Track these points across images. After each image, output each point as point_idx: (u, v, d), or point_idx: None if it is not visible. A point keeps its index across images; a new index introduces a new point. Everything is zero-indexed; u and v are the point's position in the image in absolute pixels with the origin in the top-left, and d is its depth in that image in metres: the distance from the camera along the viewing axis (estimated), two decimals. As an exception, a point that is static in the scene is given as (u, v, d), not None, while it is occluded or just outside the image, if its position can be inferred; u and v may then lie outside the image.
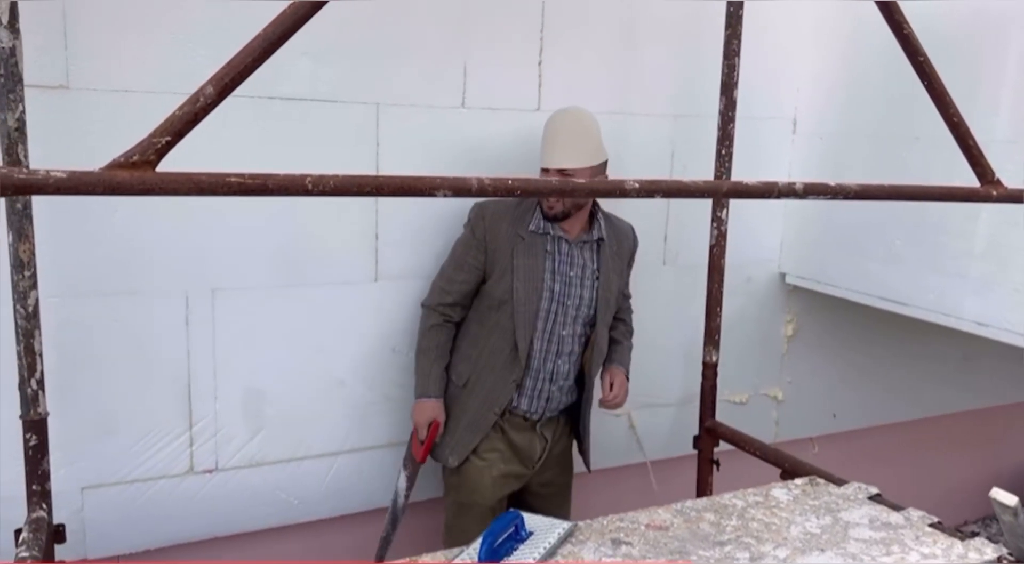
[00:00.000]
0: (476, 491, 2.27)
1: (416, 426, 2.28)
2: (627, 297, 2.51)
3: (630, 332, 2.51)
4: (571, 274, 2.25)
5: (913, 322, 2.61)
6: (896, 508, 1.92)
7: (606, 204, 2.38)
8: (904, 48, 1.43)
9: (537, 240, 2.22)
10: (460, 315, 2.30)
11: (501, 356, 2.23)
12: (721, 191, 1.42)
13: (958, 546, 1.74)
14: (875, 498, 1.98)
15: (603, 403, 2.34)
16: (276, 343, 2.27)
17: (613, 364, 2.40)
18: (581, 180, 2.06)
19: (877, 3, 1.40)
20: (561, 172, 2.14)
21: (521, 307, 2.20)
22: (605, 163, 2.22)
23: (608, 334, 2.39)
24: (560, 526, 1.75)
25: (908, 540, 1.77)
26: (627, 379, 2.40)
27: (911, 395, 3.44)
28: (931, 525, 1.84)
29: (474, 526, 2.12)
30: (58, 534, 1.91)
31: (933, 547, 1.74)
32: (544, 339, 2.24)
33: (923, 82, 1.45)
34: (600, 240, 2.29)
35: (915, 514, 1.89)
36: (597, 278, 2.29)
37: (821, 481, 2.07)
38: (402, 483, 2.35)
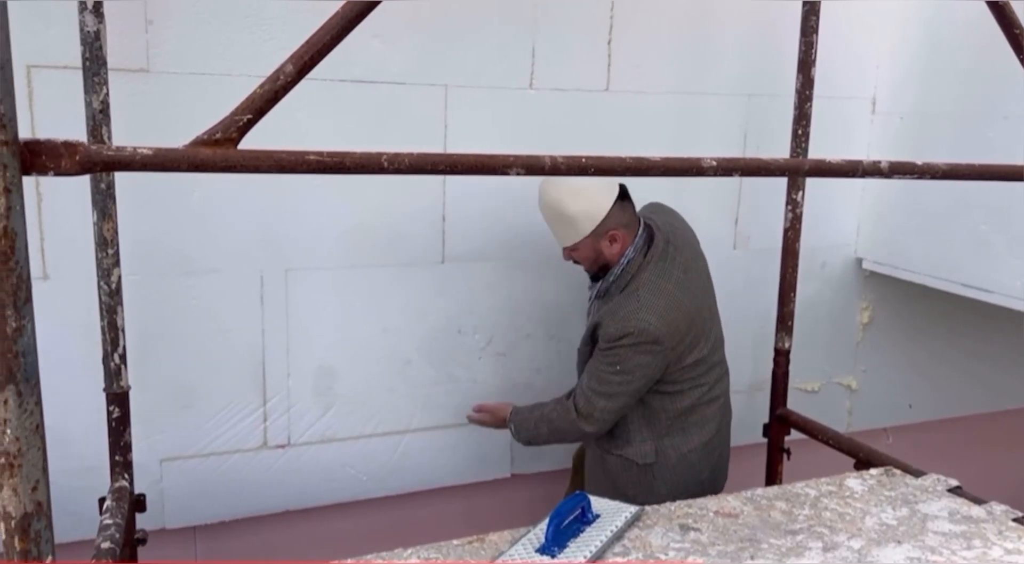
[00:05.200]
0: None
1: None
2: (580, 384, 2.13)
3: (545, 414, 2.18)
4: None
5: (997, 310, 2.51)
6: (978, 501, 1.85)
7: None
8: (999, 21, 1.36)
9: None
10: None
11: None
12: (803, 170, 1.37)
13: (1045, 542, 1.67)
14: (955, 490, 1.92)
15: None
16: (346, 322, 2.31)
17: (513, 403, 2.31)
18: (582, 249, 2.09)
19: (971, -27, 1.33)
20: (566, 248, 2.15)
21: None
22: (605, 219, 2.05)
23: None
24: (627, 510, 1.73)
25: (991, 535, 1.70)
26: (505, 424, 2.26)
27: (992, 386, 3.31)
28: (1015, 520, 1.77)
29: None
30: (139, 503, 1.98)
31: (1018, 542, 1.67)
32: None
33: (1019, 57, 1.38)
34: (597, 295, 2.18)
35: (998, 508, 1.82)
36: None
37: (898, 472, 2.01)
38: None
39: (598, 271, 2.16)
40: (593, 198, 2.05)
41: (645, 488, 2.14)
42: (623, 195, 2.10)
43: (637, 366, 2.04)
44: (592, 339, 2.14)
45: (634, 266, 2.09)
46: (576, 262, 2.18)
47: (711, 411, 2.20)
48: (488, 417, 2.33)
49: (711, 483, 2.21)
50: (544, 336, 2.56)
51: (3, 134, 0.74)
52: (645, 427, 2.14)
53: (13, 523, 0.80)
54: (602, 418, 2.09)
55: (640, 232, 2.12)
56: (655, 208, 2.29)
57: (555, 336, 2.57)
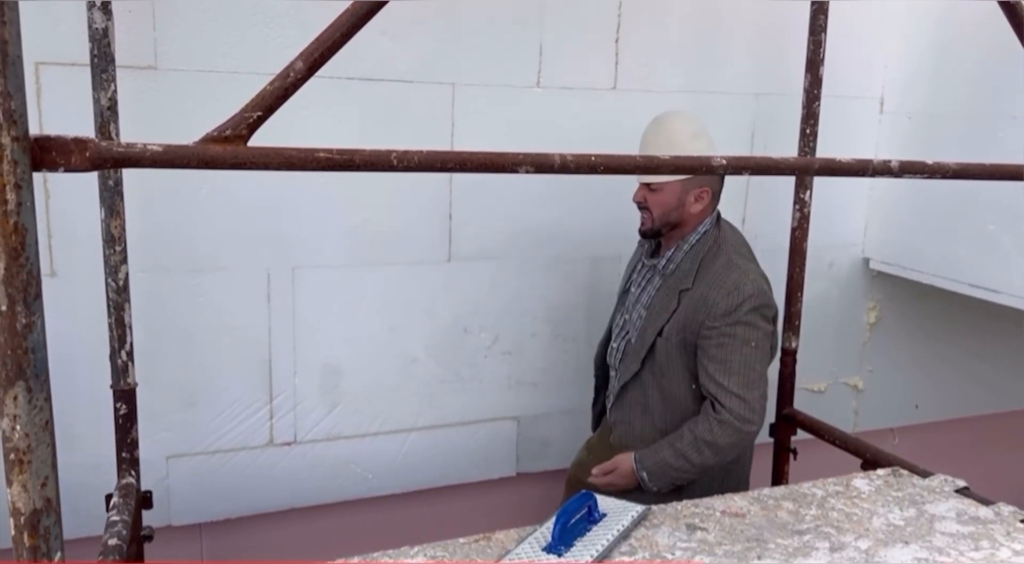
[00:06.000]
0: None
1: None
2: (719, 387, 1.92)
3: (696, 440, 1.93)
4: (633, 291, 2.16)
5: (1004, 310, 2.50)
6: (985, 502, 1.84)
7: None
8: (1010, 20, 1.35)
9: (637, 256, 2.21)
10: None
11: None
12: (813, 168, 1.37)
13: (1053, 544, 1.66)
14: (962, 491, 1.91)
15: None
16: (352, 320, 2.31)
17: (636, 450, 2.03)
18: (666, 193, 1.97)
19: (982, -29, 1.32)
20: (646, 185, 2.01)
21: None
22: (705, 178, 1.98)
23: (641, 382, 2.07)
24: (633, 509, 1.73)
25: (998, 536, 1.69)
26: (635, 477, 1.99)
27: (999, 386, 3.30)
28: (1023, 521, 1.76)
29: None
30: (145, 500, 1.99)
31: (1026, 544, 1.67)
32: (611, 351, 2.23)
33: (1030, 55, 1.37)
34: (666, 270, 2.06)
35: (1006, 509, 1.81)
36: (645, 308, 2.08)
37: (905, 472, 2.00)
38: None
39: (658, 230, 2.03)
40: (708, 148, 1.99)
41: (728, 480, 2.04)
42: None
43: (764, 335, 1.95)
44: (686, 338, 1.98)
45: (710, 239, 2.01)
46: (643, 208, 2.03)
47: None
48: (615, 477, 2.03)
49: (746, 478, 2.16)
50: (550, 335, 2.55)
51: (14, 130, 0.74)
52: None
53: (22, 519, 0.79)
54: (762, 407, 1.94)
55: (717, 210, 2.07)
56: None
57: (561, 335, 2.57)
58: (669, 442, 1.99)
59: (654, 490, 2.00)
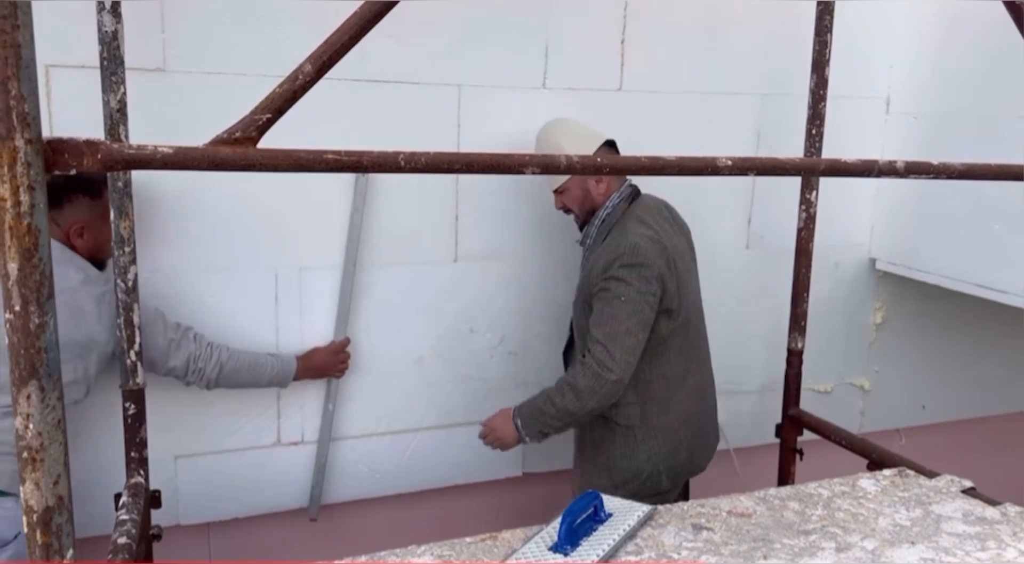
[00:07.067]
0: None
1: None
2: (589, 335, 2.05)
3: (562, 382, 2.07)
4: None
5: (1011, 311, 2.50)
6: (992, 503, 1.84)
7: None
8: (1015, 20, 1.36)
9: None
10: None
11: None
12: (818, 169, 1.37)
13: (1060, 544, 1.66)
14: (969, 492, 1.90)
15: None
16: (359, 321, 2.31)
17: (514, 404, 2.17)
18: (572, 189, 2.16)
19: (987, -28, 1.33)
20: (555, 192, 2.20)
21: None
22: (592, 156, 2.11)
23: (576, 351, 2.21)
24: (639, 509, 1.73)
25: (1005, 536, 1.69)
26: (512, 426, 2.13)
27: (1006, 387, 3.29)
28: (1030, 522, 1.76)
29: None
30: (154, 500, 2.00)
31: (1032, 544, 1.66)
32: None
33: (1035, 56, 1.37)
34: (585, 245, 2.21)
35: (1012, 509, 1.80)
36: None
37: (911, 473, 2.00)
38: None
39: (587, 220, 2.19)
40: (586, 141, 2.15)
41: (629, 451, 2.14)
42: (611, 145, 2.19)
43: (638, 293, 2.01)
44: (585, 300, 2.11)
45: (618, 212, 2.14)
46: (567, 211, 2.22)
47: (693, 386, 2.21)
48: (498, 424, 2.18)
49: (688, 465, 2.22)
50: (555, 335, 2.56)
51: (27, 132, 0.75)
52: (632, 390, 2.11)
53: (35, 517, 0.80)
54: (624, 360, 2.00)
55: (626, 184, 2.18)
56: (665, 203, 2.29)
57: (566, 336, 2.56)
58: (544, 390, 2.12)
59: (527, 440, 2.14)
